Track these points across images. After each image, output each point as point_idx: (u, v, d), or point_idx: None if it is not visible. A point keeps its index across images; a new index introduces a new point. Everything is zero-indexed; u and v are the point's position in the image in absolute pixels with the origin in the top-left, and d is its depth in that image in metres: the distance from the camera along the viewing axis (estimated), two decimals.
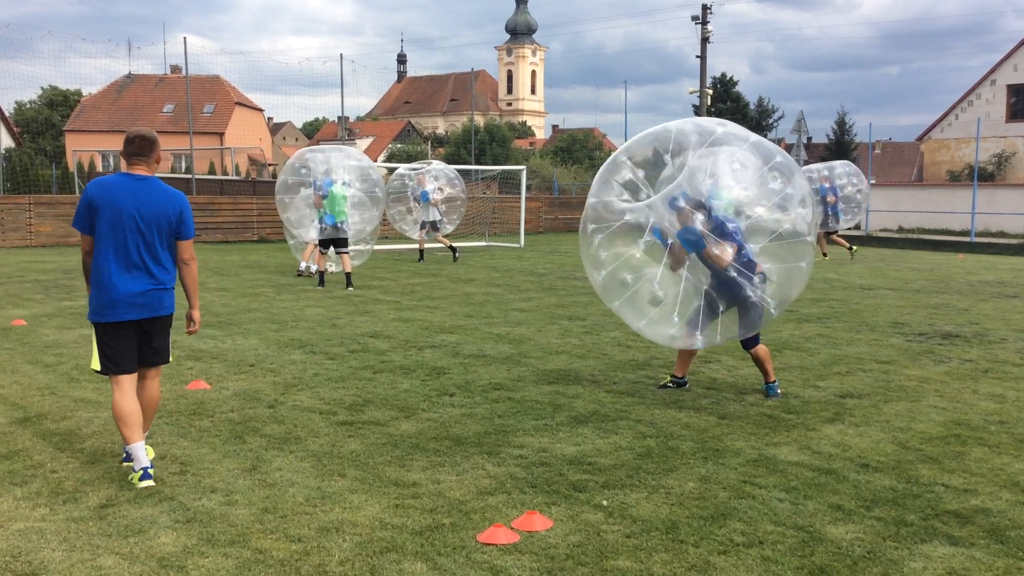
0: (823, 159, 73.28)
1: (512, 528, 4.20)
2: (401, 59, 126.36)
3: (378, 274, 16.39)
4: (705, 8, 38.58)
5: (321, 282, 14.13)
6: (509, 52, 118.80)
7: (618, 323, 10.50)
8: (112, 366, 4.97)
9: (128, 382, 4.99)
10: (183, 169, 42.59)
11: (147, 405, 5.12)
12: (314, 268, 15.30)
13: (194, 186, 29.56)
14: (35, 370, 7.61)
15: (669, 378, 7.28)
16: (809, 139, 47.88)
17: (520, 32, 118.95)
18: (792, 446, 5.63)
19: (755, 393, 7.04)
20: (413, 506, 4.51)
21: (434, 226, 19.02)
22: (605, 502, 4.60)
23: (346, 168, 14.63)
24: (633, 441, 5.70)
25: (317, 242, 14.52)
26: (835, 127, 60.13)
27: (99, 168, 44.01)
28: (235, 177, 40.67)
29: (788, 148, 45.28)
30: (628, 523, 4.33)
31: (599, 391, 7.09)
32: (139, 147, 5.00)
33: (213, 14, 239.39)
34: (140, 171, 5.01)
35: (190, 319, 5.25)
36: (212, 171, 42.57)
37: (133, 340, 4.99)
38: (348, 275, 14.09)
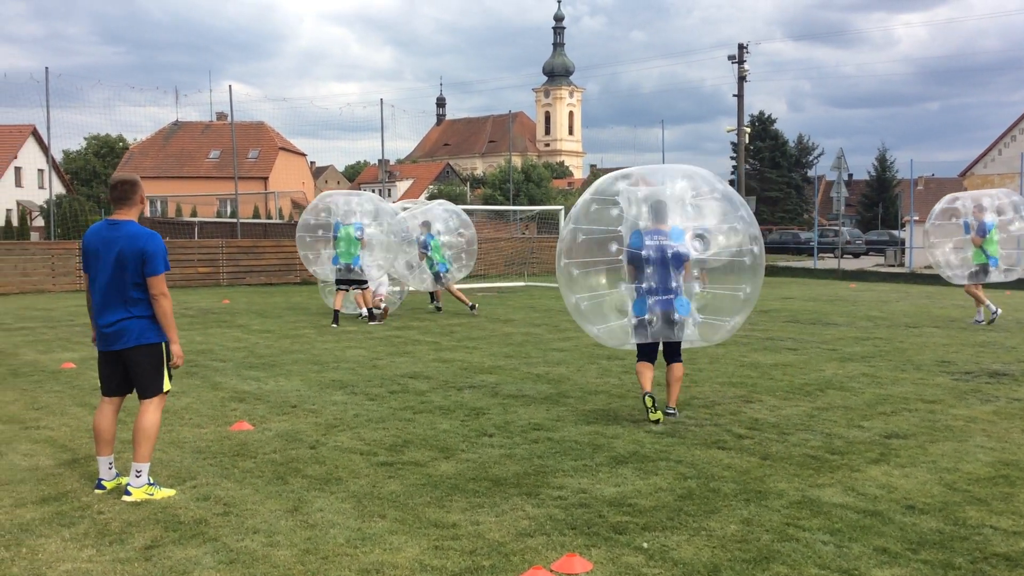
0: (865, 196, 72.49)
1: (551, 570, 4.19)
2: (440, 102, 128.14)
3: (418, 315, 16.51)
4: (741, 47, 38.70)
5: (335, 320, 14.54)
6: (547, 94, 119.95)
7: (660, 364, 10.46)
8: (101, 386, 5.62)
9: (107, 403, 5.57)
10: (228, 213, 43.35)
11: (135, 432, 5.46)
12: (363, 312, 15.30)
13: (239, 230, 30.09)
14: (83, 412, 7.76)
15: (652, 406, 7.39)
16: (850, 176, 47.46)
17: (557, 74, 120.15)
18: (836, 487, 5.55)
19: (799, 433, 6.97)
20: (452, 547, 4.52)
21: (437, 277, 16.40)
22: (646, 544, 4.57)
23: (363, 211, 15.00)
24: (674, 482, 5.66)
25: (335, 282, 15.06)
26: (876, 164, 59.52)
27: (147, 213, 44.92)
28: (278, 220, 41.33)
29: (829, 185, 44.97)
30: (669, 566, 4.29)
31: (639, 431, 7.05)
32: (122, 192, 5.48)
33: (257, 62, 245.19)
34: (122, 215, 5.47)
35: (170, 353, 5.55)
36: (256, 215, 43.33)
37: (113, 369, 5.52)
38: (370, 310, 15.02)
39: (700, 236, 7.43)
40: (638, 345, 7.58)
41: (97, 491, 5.44)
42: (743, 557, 4.39)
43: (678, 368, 7.69)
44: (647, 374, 7.56)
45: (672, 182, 7.54)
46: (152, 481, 5.43)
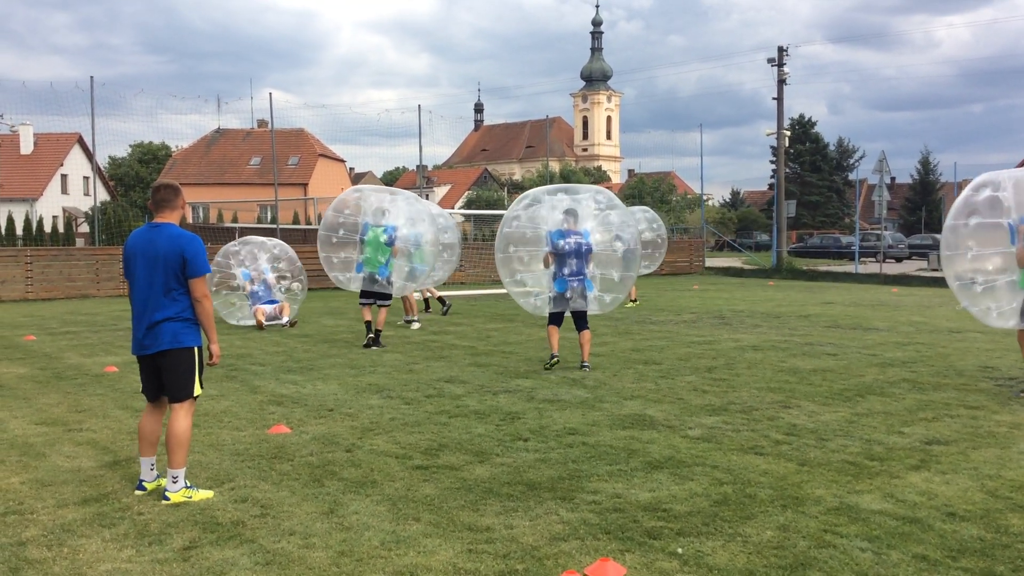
0: (908, 199, 71.34)
1: (585, 575, 4.18)
2: (478, 108, 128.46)
3: (455, 319, 16.56)
4: (781, 50, 38.32)
5: (376, 341, 12.47)
6: (584, 99, 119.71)
7: (694, 368, 10.41)
8: (143, 389, 5.69)
9: (150, 407, 5.70)
10: (268, 219, 43.84)
11: (167, 439, 5.49)
12: (416, 325, 14.80)
13: (279, 235, 30.36)
14: (125, 415, 7.89)
15: (553, 365, 10.38)
16: (892, 179, 46.79)
17: (595, 79, 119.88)
18: (875, 494, 5.47)
19: (838, 439, 6.88)
20: (486, 551, 4.53)
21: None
22: (680, 550, 4.54)
23: (398, 213, 12.77)
24: (709, 488, 5.62)
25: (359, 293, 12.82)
26: (919, 167, 58.67)
27: (189, 219, 45.60)
28: (317, 226, 41.70)
29: (870, 189, 44.38)
30: (704, 572, 4.26)
31: (675, 436, 7.01)
32: (163, 196, 5.60)
33: (296, 69, 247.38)
34: (164, 218, 5.56)
35: (210, 352, 5.70)
36: (296, 221, 43.73)
37: (150, 373, 5.60)
38: (378, 332, 12.51)
39: (618, 237, 10.87)
40: (550, 313, 10.42)
41: (137, 492, 5.54)
42: (779, 563, 4.34)
43: (587, 334, 10.58)
44: (556, 336, 10.53)
45: (586, 196, 10.57)
46: (189, 484, 5.51)
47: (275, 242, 16.20)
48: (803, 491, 5.53)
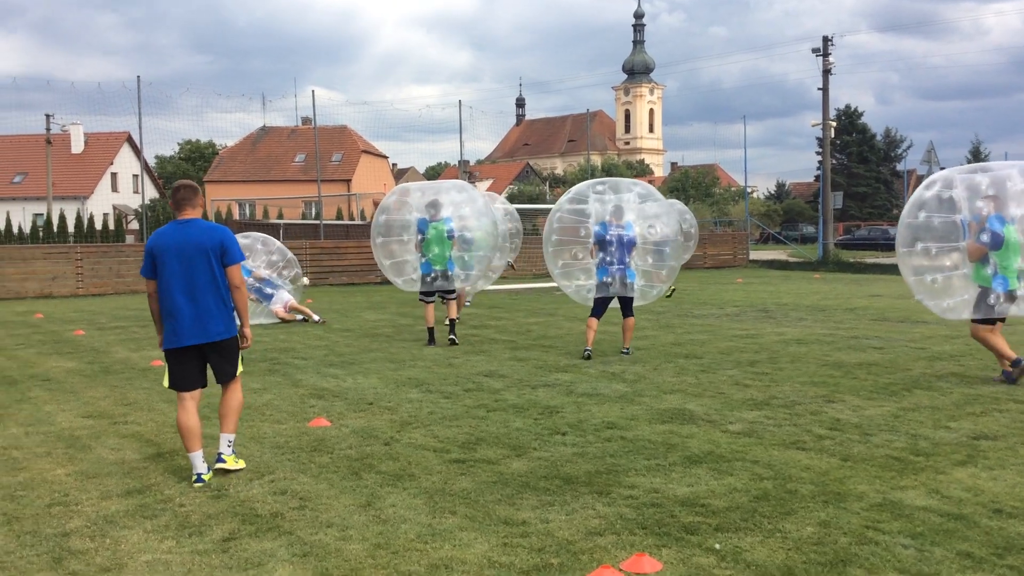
0: None
1: (620, 570, 4.15)
2: (519, 103, 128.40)
3: (495, 313, 16.57)
4: (826, 40, 37.74)
5: (431, 340, 12.20)
6: (627, 92, 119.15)
7: (736, 361, 10.30)
8: (175, 383, 5.79)
9: (191, 399, 5.78)
10: (313, 215, 44.25)
11: (227, 409, 5.94)
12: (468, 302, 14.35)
13: (322, 231, 30.69)
14: (170, 408, 8.00)
15: (587, 358, 10.70)
16: (941, 169, 45.93)
17: (638, 71, 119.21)
18: (920, 490, 5.36)
19: (882, 433, 6.75)
20: (521, 545, 4.52)
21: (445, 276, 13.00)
22: (718, 545, 4.48)
23: (451, 203, 12.35)
24: (749, 483, 5.55)
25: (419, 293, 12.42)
26: (969, 157, 57.82)
27: (236, 216, 46.19)
28: (360, 222, 41.99)
29: (919, 180, 43.55)
30: (741, 568, 4.21)
31: (714, 431, 6.94)
32: (186, 194, 5.81)
33: (339, 67, 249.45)
34: (187, 214, 5.78)
35: (243, 336, 5.97)
36: (339, 216, 44.08)
37: (194, 363, 5.78)
38: (452, 322, 12.27)
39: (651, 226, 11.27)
40: (594, 303, 11.02)
41: (197, 484, 5.58)
42: (819, 560, 4.27)
43: (631, 321, 11.19)
44: (593, 331, 10.95)
45: (628, 191, 11.20)
46: (234, 450, 5.99)
47: (258, 240, 15.85)
48: (845, 487, 5.44)
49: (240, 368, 6.02)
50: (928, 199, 9.00)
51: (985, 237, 8.51)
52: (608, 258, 10.78)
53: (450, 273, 12.10)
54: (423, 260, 12.03)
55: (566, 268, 11.51)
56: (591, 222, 11.02)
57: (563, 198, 11.61)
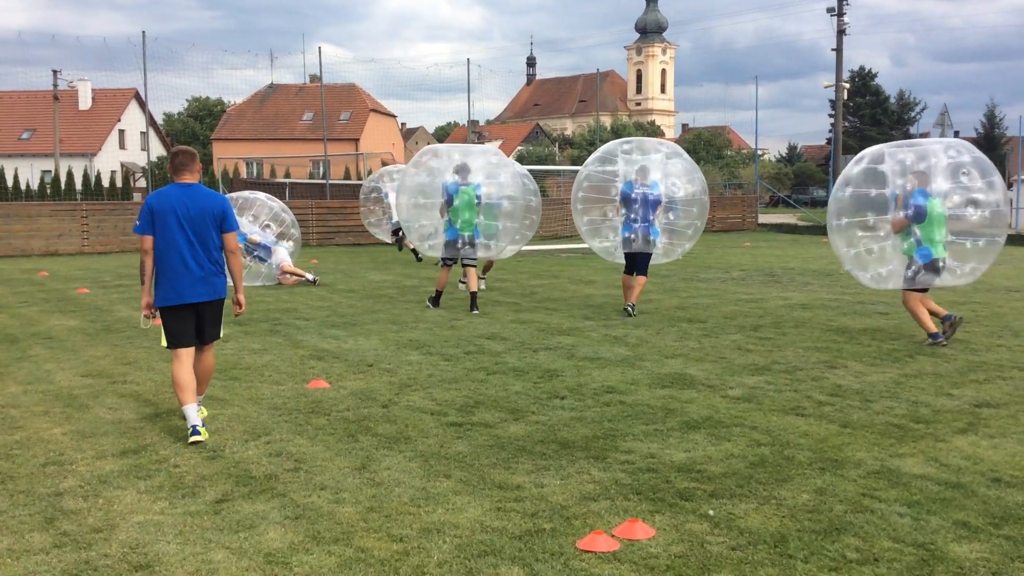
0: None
1: (613, 535, 4.13)
2: (530, 62, 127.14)
3: (500, 275, 16.51)
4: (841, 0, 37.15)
5: (436, 303, 11.99)
6: (639, 51, 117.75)
7: (739, 326, 10.24)
8: (174, 341, 5.86)
9: (187, 355, 5.88)
10: (320, 174, 44.10)
11: (203, 373, 6.08)
12: (462, 287, 13.72)
13: (328, 191, 30.55)
14: (168, 368, 7.96)
15: (631, 313, 11.15)
16: (956, 133, 45.39)
17: (650, 31, 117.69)
18: (918, 458, 5.32)
19: (883, 400, 6.70)
20: (515, 509, 4.50)
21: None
22: (712, 512, 4.46)
23: (478, 168, 11.86)
24: (746, 449, 5.52)
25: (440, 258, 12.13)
26: (984, 120, 56.90)
27: (243, 174, 46.02)
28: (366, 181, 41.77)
29: None
30: (734, 535, 4.18)
31: (714, 396, 6.90)
32: (184, 159, 5.89)
33: (349, 24, 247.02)
34: (185, 179, 5.86)
35: (237, 302, 6.08)
36: (347, 176, 43.89)
37: (191, 321, 5.86)
38: (474, 295, 11.81)
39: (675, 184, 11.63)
40: (626, 260, 11.43)
41: (193, 437, 5.65)
42: (812, 528, 4.24)
43: (642, 279, 11.46)
44: (628, 287, 11.43)
45: (655, 152, 11.66)
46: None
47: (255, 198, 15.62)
48: (843, 454, 5.40)
49: (221, 333, 6.17)
50: (854, 175, 9.37)
51: (909, 211, 8.92)
52: (632, 215, 11.19)
53: (477, 240, 11.76)
54: (450, 226, 11.65)
55: (593, 225, 11.94)
56: (619, 182, 11.44)
57: (592, 157, 12.09)
